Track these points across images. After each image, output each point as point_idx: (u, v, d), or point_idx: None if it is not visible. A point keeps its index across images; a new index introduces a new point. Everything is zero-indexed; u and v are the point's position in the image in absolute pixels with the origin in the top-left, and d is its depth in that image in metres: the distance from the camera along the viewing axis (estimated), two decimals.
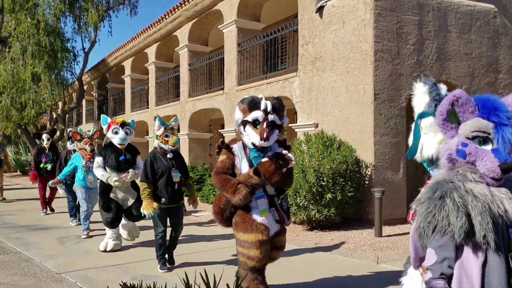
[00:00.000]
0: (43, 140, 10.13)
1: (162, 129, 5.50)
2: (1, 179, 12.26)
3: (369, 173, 7.93)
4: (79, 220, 8.13)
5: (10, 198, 12.80)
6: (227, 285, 1.97)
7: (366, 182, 7.94)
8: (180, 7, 13.86)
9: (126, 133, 6.33)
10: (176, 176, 5.43)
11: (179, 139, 5.77)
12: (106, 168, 6.33)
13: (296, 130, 9.66)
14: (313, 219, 7.42)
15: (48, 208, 10.21)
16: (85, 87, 23.53)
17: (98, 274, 5.20)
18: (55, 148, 10.44)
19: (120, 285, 1.68)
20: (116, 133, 6.25)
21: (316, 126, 8.90)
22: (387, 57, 8.00)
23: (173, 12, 14.34)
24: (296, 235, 7.29)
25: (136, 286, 1.62)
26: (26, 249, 6.48)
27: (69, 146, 9.04)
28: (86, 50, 20.13)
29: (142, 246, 6.79)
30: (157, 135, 5.54)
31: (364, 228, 7.58)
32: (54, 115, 23.43)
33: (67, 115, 25.78)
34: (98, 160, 6.38)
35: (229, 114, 12.02)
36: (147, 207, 5.23)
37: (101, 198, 6.38)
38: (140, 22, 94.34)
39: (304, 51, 9.42)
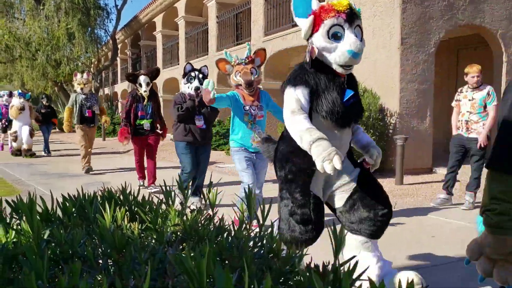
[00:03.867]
0: (140, 85, 6.75)
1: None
2: (90, 143, 8.98)
3: (393, 121, 7.73)
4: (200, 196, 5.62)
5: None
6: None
7: (390, 130, 7.76)
8: None
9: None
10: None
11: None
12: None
13: None
14: None
15: (145, 180, 7.14)
16: (118, 45, 23.75)
17: None
18: (156, 97, 7.09)
19: (99, 189, 1.72)
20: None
21: None
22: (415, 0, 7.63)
23: None
24: None
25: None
26: (52, 192, 6.74)
27: (184, 87, 5.58)
28: (118, 7, 20.27)
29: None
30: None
31: (386, 177, 7.47)
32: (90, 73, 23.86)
33: (102, 74, 26.28)
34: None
35: None
36: None
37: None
38: None
39: None
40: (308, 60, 2.51)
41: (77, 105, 8.61)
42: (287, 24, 10.86)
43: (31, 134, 11.60)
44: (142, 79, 6.71)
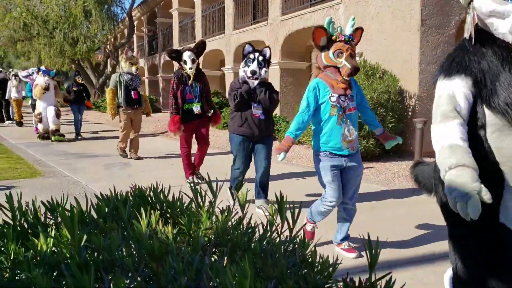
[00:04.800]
0: (185, 63, 5.79)
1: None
2: (136, 127, 8.25)
3: (412, 103, 7.66)
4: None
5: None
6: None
7: (409, 113, 7.69)
8: None
9: None
10: None
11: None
12: None
13: None
14: None
15: (195, 175, 6.20)
16: (135, 23, 23.70)
17: None
18: (204, 77, 6.06)
19: (130, 187, 1.76)
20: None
21: (360, 55, 8.59)
22: None
23: None
24: None
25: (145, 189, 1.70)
26: (74, 173, 6.86)
27: (241, 70, 4.88)
28: None
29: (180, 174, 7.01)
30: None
31: (405, 160, 7.44)
32: (107, 51, 23.92)
33: (119, 51, 26.33)
34: None
35: (272, 46, 11.80)
36: None
37: None
38: None
39: None
40: (470, 35, 1.86)
41: (122, 86, 7.87)
42: (305, 4, 10.71)
43: (58, 114, 10.60)
44: (187, 55, 5.77)
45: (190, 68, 5.77)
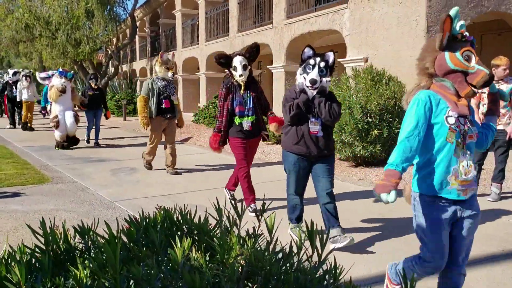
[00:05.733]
0: (235, 69, 5.05)
1: None
2: (170, 138, 7.47)
3: None
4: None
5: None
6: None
7: None
8: None
9: None
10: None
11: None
12: None
13: (345, 65, 9.41)
14: (358, 155, 7.37)
15: (253, 203, 5.04)
16: (137, 23, 23.71)
17: (148, 203, 5.47)
18: (257, 86, 5.29)
19: (156, 207, 1.78)
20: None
21: (366, 60, 8.63)
22: None
23: None
24: (341, 171, 7.30)
25: (169, 209, 1.73)
26: (82, 179, 6.89)
27: (299, 78, 4.12)
28: None
29: (189, 180, 7.05)
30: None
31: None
32: (109, 52, 23.96)
33: (121, 52, 26.34)
34: None
35: (277, 49, 11.83)
36: None
37: None
38: None
39: None
40: None
41: (154, 94, 7.04)
42: (310, 8, 10.74)
43: (76, 119, 9.87)
44: (238, 60, 4.99)
45: (241, 75, 4.98)
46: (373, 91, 7.26)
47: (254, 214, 4.65)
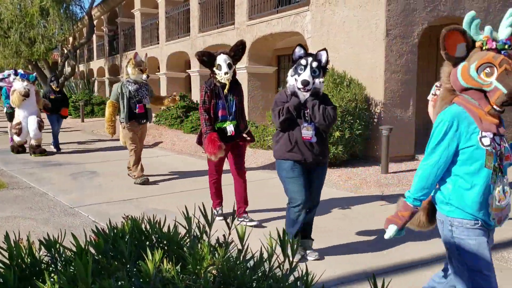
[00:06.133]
0: (219, 68, 4.80)
1: None
2: (142, 144, 7.11)
3: (378, 111, 7.87)
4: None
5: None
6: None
7: (375, 120, 7.90)
8: None
9: None
10: None
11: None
12: None
13: None
14: None
15: (221, 207, 5.10)
16: (95, 22, 23.16)
17: (110, 208, 5.37)
18: (240, 89, 5.04)
19: (123, 217, 1.74)
20: None
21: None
22: None
23: None
24: None
25: (137, 218, 1.69)
26: (40, 184, 6.67)
27: (290, 79, 3.84)
28: None
29: (153, 183, 6.96)
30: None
31: (371, 165, 7.64)
32: (65, 51, 23.27)
33: (77, 51, 25.66)
34: None
35: None
36: None
37: None
38: None
39: None
40: None
41: (125, 99, 6.59)
42: (272, 9, 10.80)
43: (40, 126, 9.23)
44: (222, 59, 4.73)
45: (226, 73, 4.70)
46: (334, 93, 7.37)
47: (221, 218, 4.62)
